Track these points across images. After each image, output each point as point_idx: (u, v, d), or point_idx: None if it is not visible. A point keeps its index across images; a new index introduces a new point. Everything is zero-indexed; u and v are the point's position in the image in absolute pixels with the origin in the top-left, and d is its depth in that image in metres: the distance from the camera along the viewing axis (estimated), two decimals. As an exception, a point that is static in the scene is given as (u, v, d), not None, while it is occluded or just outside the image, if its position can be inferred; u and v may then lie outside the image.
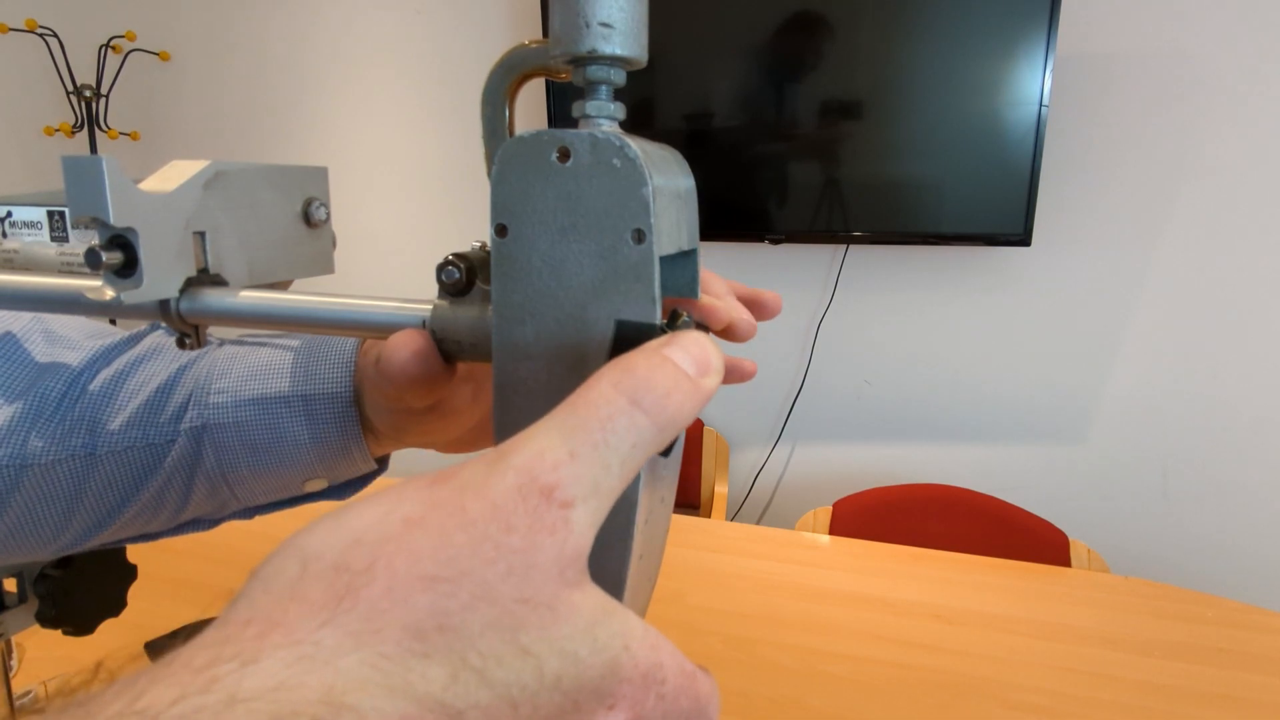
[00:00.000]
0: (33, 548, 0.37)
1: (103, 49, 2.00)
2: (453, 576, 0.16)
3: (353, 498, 0.37)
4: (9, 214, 0.36)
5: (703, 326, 0.28)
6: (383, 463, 0.41)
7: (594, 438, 0.17)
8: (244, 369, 0.38)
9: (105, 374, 0.38)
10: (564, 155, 0.21)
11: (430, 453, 0.40)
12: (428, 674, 0.15)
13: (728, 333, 0.30)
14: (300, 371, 0.37)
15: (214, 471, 0.37)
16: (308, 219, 0.34)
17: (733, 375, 0.32)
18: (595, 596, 0.17)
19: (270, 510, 0.41)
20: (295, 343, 0.38)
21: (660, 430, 0.18)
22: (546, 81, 1.66)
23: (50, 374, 0.37)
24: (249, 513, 0.41)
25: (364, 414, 0.37)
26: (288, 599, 0.15)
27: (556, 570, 0.17)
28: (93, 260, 0.25)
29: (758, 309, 0.33)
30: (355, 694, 0.14)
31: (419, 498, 0.17)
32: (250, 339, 0.39)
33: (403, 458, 0.44)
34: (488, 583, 0.16)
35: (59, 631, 0.54)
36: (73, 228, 0.35)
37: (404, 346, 0.27)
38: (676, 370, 0.19)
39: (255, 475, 0.38)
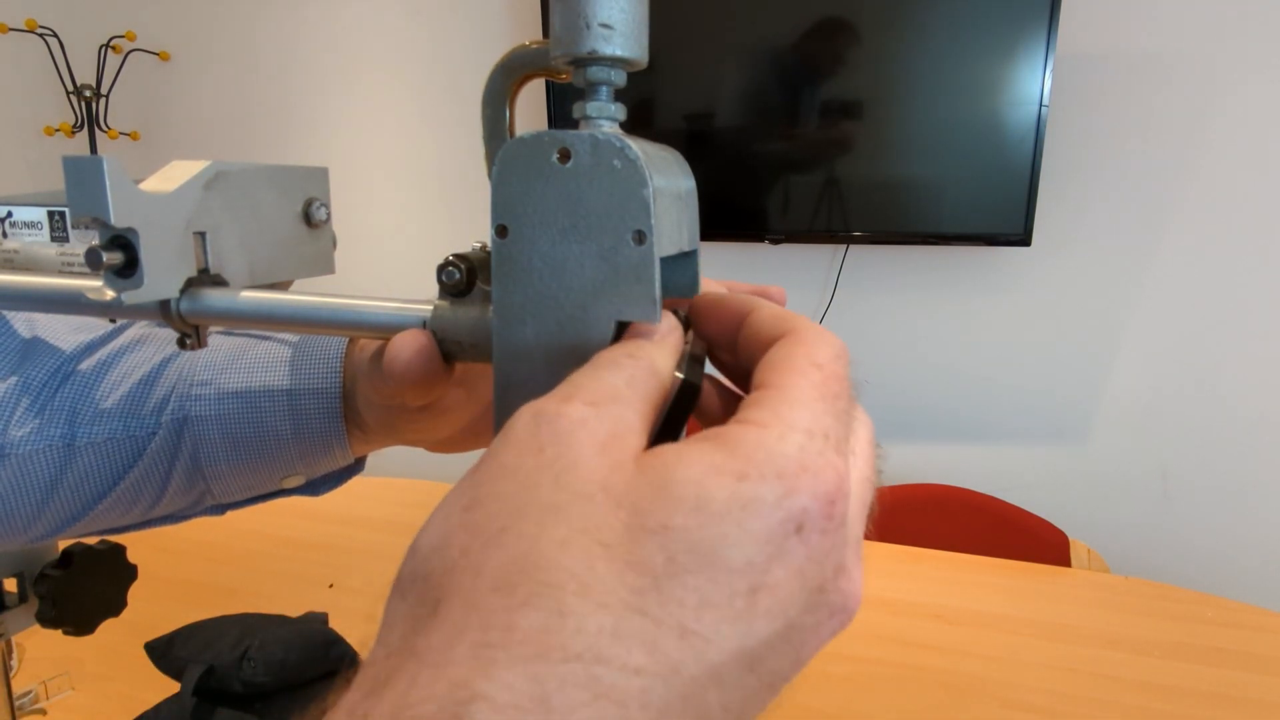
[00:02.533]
0: (2, 538, 0.37)
1: (103, 49, 2.00)
2: (515, 521, 0.16)
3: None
4: (9, 214, 0.36)
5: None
6: (360, 460, 0.41)
7: (593, 372, 0.19)
8: (229, 362, 0.37)
9: (87, 364, 0.37)
10: (565, 156, 0.21)
11: (415, 451, 0.40)
12: (584, 626, 0.15)
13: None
14: (287, 366, 0.37)
15: (192, 465, 0.37)
16: (308, 219, 0.34)
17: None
18: (673, 448, 0.17)
19: (243, 505, 0.41)
20: (283, 337, 0.38)
21: (651, 366, 0.20)
22: (547, 82, 1.66)
23: (33, 362, 0.37)
24: (221, 509, 0.41)
25: (356, 410, 0.37)
26: (410, 637, 0.16)
27: (597, 450, 0.17)
28: (93, 260, 0.25)
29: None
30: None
31: (466, 484, 0.18)
32: (239, 331, 0.39)
33: (395, 456, 0.44)
34: (546, 503, 0.16)
35: (59, 631, 0.54)
36: (73, 228, 0.35)
37: (407, 346, 0.27)
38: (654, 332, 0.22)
39: (234, 470, 0.37)
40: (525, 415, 0.18)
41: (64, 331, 0.38)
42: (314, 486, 0.41)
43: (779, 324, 0.22)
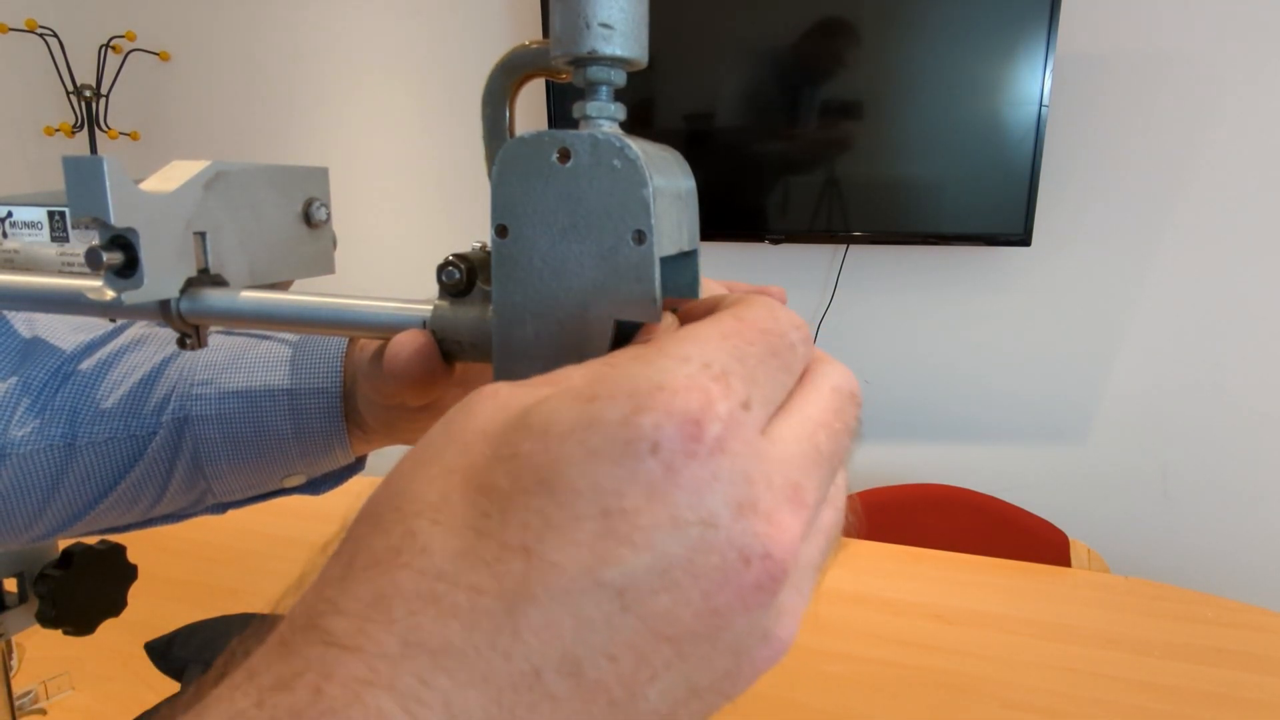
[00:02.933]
0: (3, 537, 0.37)
1: (103, 49, 2.00)
2: (401, 467, 0.17)
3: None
4: (9, 214, 0.36)
5: None
6: (361, 459, 0.41)
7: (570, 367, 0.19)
8: (229, 362, 0.37)
9: (88, 364, 0.38)
10: (564, 156, 0.21)
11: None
12: (430, 546, 0.15)
13: None
14: (287, 366, 0.37)
15: (193, 465, 0.37)
16: (308, 219, 0.34)
17: None
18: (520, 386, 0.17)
19: (243, 505, 0.41)
20: (283, 337, 0.38)
21: None
22: (547, 82, 1.66)
23: (33, 362, 0.37)
24: (221, 508, 0.41)
25: (356, 409, 0.37)
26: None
27: (495, 406, 0.17)
28: (93, 260, 0.25)
29: None
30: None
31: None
32: (239, 331, 0.39)
33: (395, 455, 0.44)
34: (430, 448, 0.17)
35: (59, 631, 0.54)
36: (73, 228, 0.35)
37: (406, 345, 0.27)
38: None
39: (235, 469, 0.37)
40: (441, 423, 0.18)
41: (64, 331, 0.39)
42: (315, 485, 0.41)
43: (739, 297, 0.21)
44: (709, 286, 0.29)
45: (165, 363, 0.38)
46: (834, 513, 0.20)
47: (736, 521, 0.15)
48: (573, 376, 0.17)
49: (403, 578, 0.15)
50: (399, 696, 0.14)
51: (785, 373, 0.18)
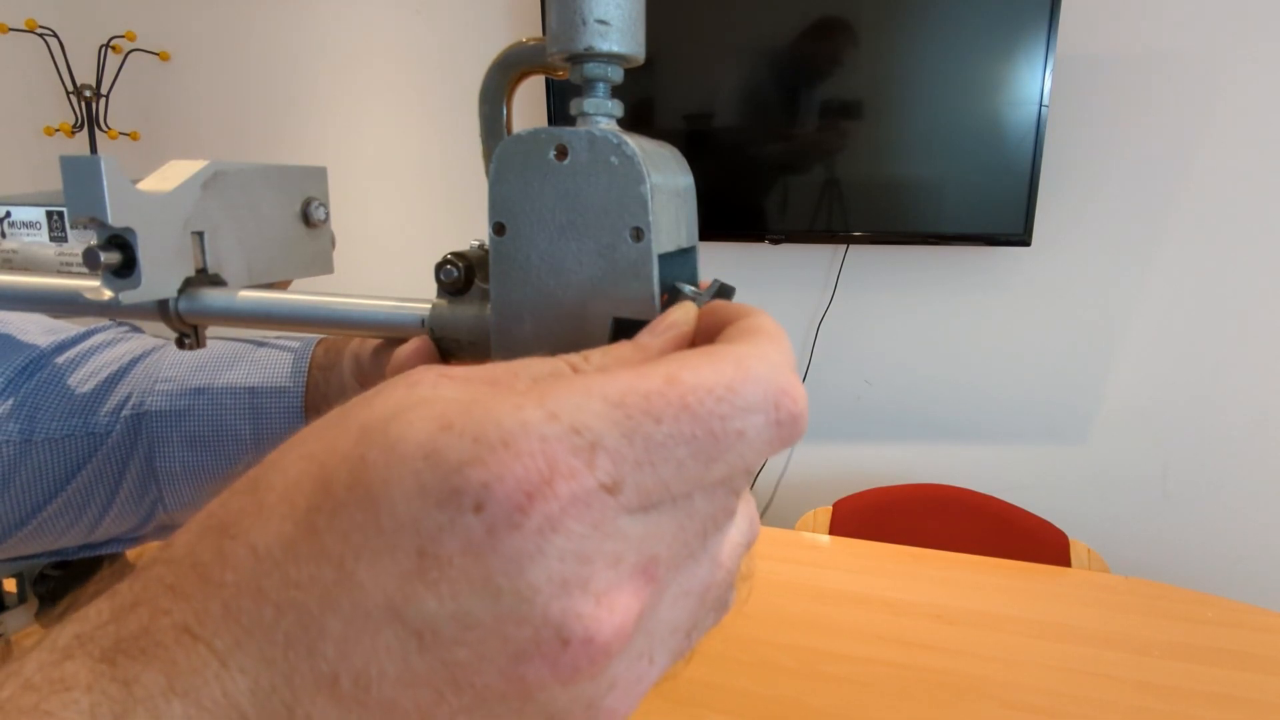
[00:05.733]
0: None
1: (103, 49, 2.00)
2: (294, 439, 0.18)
3: None
4: (8, 214, 0.35)
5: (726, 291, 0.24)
6: None
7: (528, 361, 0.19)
8: (195, 360, 0.37)
9: (58, 361, 0.37)
10: (562, 153, 0.21)
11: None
12: (268, 525, 0.16)
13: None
14: (250, 365, 0.36)
15: (146, 467, 0.36)
16: (307, 219, 0.34)
17: None
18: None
19: None
20: (252, 337, 0.38)
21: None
22: (546, 80, 1.66)
23: (3, 356, 0.36)
24: (172, 531, 0.40)
25: (327, 408, 0.36)
26: None
27: (402, 391, 0.16)
28: (91, 260, 0.25)
29: None
30: None
31: None
32: (231, 338, 0.39)
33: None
34: (317, 428, 0.17)
35: (58, 631, 0.54)
36: (71, 228, 0.35)
37: (407, 345, 0.27)
38: None
39: (189, 473, 0.36)
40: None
41: (36, 332, 0.38)
42: None
43: (733, 324, 0.19)
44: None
45: (133, 362, 0.37)
46: (714, 570, 0.17)
47: (557, 600, 0.14)
48: (493, 375, 0.17)
49: (235, 548, 0.15)
50: (216, 653, 0.15)
51: (703, 465, 0.15)
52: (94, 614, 0.16)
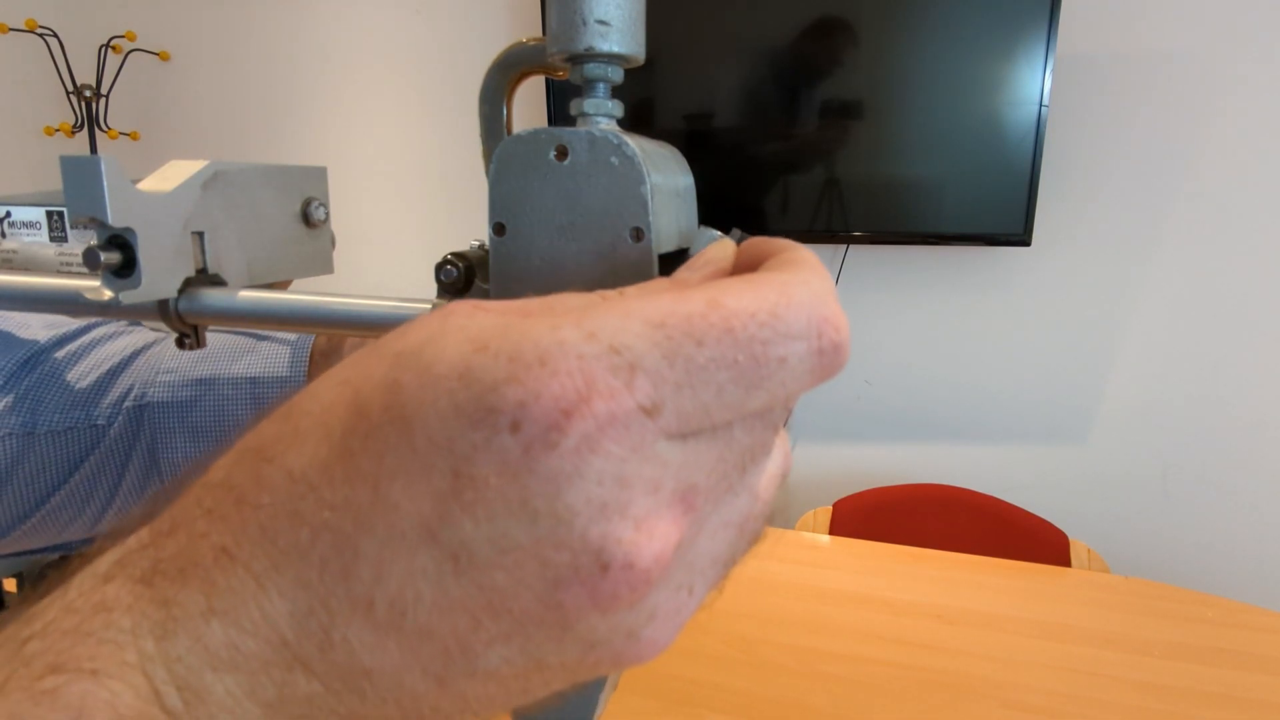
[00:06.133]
0: None
1: (103, 49, 2.00)
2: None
3: None
4: (8, 214, 0.35)
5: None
6: None
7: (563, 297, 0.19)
8: (196, 352, 0.37)
9: (59, 355, 0.37)
10: (562, 153, 0.21)
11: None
12: (304, 448, 0.16)
13: None
14: (252, 355, 0.36)
15: (149, 458, 0.36)
16: (307, 219, 0.34)
17: None
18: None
19: None
20: (256, 332, 0.38)
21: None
22: (546, 80, 1.66)
23: (3, 352, 0.36)
24: None
25: None
26: None
27: (437, 319, 0.16)
28: (91, 260, 0.25)
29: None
30: None
31: None
32: (231, 330, 0.39)
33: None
34: (356, 358, 0.17)
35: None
36: (71, 228, 0.35)
37: None
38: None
39: (192, 464, 0.37)
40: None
41: (37, 326, 0.38)
42: None
43: (773, 256, 0.18)
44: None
45: (134, 354, 0.37)
46: (752, 502, 0.17)
47: (596, 524, 0.14)
48: (528, 307, 0.17)
49: (271, 472, 0.15)
50: (253, 575, 0.15)
51: (744, 391, 0.15)
52: (133, 540, 0.16)
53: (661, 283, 0.19)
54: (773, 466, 0.18)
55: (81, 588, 0.16)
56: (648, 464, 0.14)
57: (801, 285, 0.16)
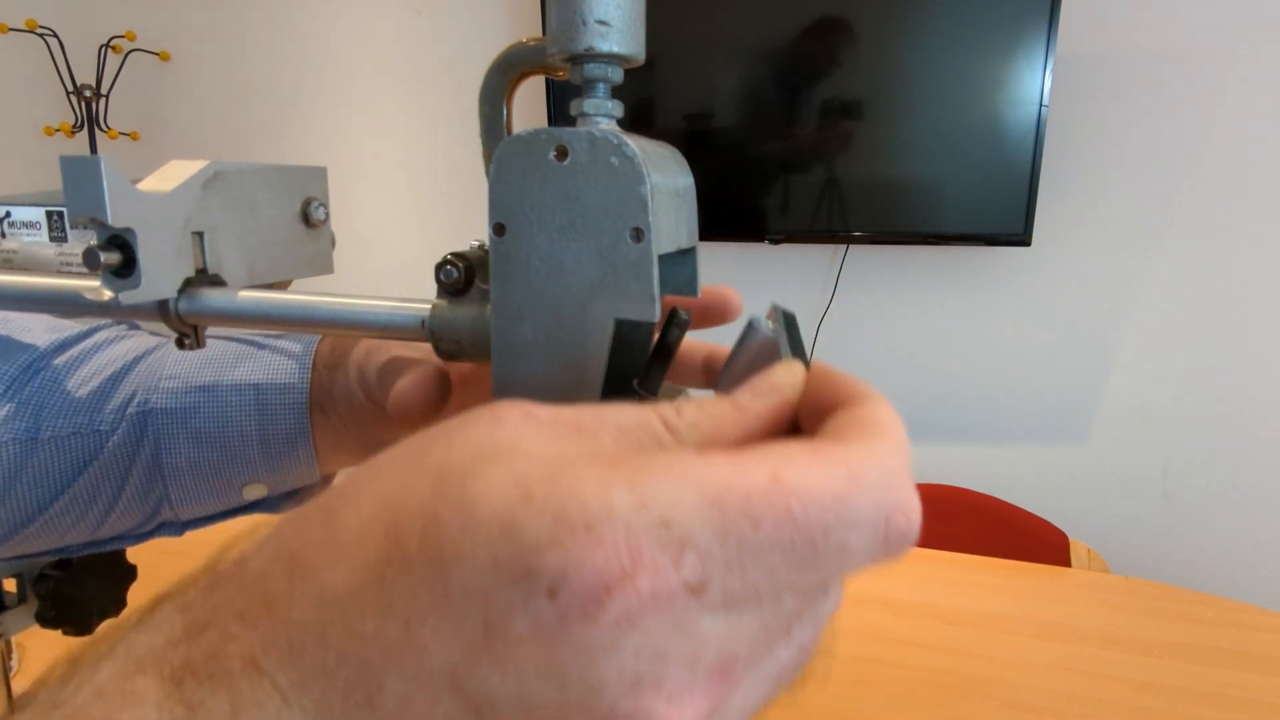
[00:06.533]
0: None
1: (103, 49, 2.00)
2: (371, 465, 0.17)
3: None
4: (8, 214, 0.35)
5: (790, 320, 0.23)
6: (326, 479, 0.40)
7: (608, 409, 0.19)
8: (199, 358, 0.37)
9: (60, 360, 0.37)
10: (562, 154, 0.21)
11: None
12: (339, 569, 0.15)
13: (721, 311, 0.30)
14: (255, 361, 0.36)
15: (152, 463, 0.36)
16: (307, 219, 0.34)
17: (714, 316, 0.31)
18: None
19: (203, 524, 0.40)
20: (256, 336, 0.38)
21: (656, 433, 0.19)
22: (546, 80, 1.66)
23: (4, 357, 0.36)
24: (179, 528, 0.40)
25: (328, 414, 0.36)
26: None
27: (487, 429, 0.16)
28: (91, 260, 0.25)
29: (721, 308, 0.31)
30: None
31: None
32: (229, 336, 0.39)
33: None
34: (392, 459, 0.17)
35: (59, 631, 0.54)
36: (71, 228, 0.35)
37: (404, 380, 0.28)
38: None
39: (195, 470, 0.36)
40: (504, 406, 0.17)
41: (40, 330, 0.38)
42: (277, 503, 0.40)
43: (846, 408, 0.17)
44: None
45: (137, 360, 0.37)
46: (797, 654, 0.17)
47: (627, 697, 0.13)
48: (579, 419, 0.16)
49: (305, 588, 0.15)
50: (279, 689, 0.15)
51: (797, 572, 0.14)
52: (166, 626, 0.16)
53: (721, 406, 0.18)
54: (823, 615, 0.17)
55: (113, 672, 0.16)
56: (688, 640, 0.14)
57: (873, 463, 0.15)
